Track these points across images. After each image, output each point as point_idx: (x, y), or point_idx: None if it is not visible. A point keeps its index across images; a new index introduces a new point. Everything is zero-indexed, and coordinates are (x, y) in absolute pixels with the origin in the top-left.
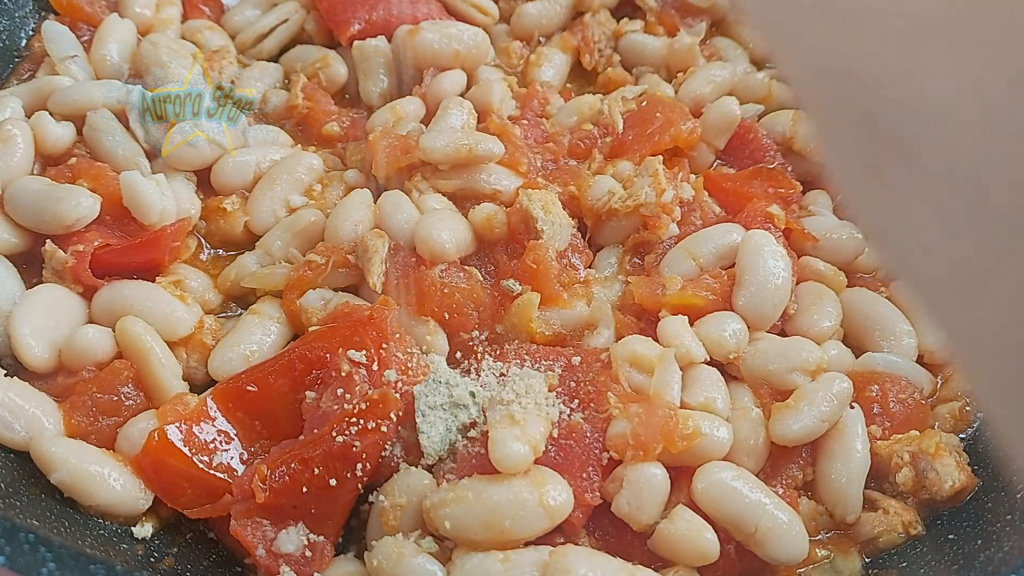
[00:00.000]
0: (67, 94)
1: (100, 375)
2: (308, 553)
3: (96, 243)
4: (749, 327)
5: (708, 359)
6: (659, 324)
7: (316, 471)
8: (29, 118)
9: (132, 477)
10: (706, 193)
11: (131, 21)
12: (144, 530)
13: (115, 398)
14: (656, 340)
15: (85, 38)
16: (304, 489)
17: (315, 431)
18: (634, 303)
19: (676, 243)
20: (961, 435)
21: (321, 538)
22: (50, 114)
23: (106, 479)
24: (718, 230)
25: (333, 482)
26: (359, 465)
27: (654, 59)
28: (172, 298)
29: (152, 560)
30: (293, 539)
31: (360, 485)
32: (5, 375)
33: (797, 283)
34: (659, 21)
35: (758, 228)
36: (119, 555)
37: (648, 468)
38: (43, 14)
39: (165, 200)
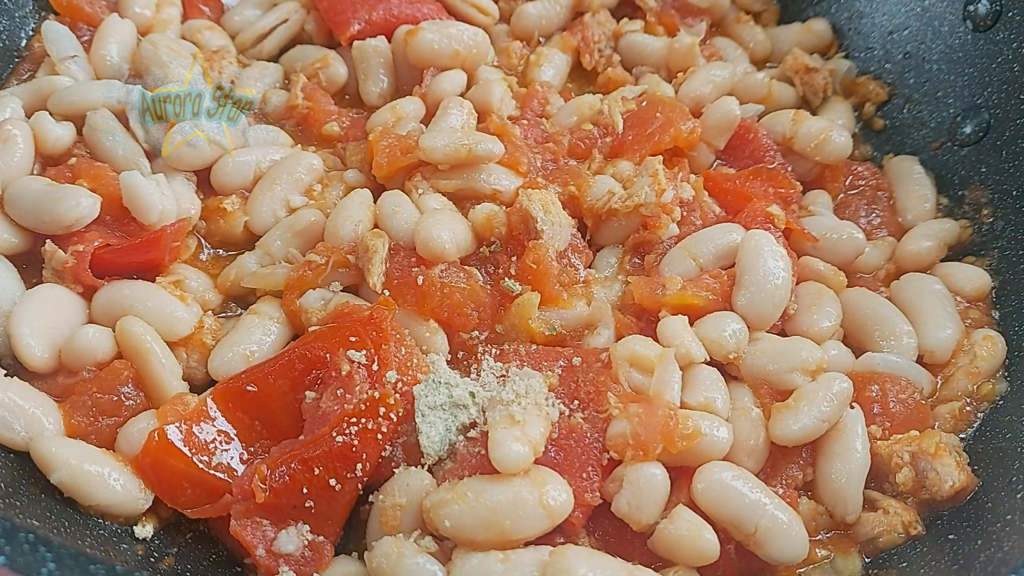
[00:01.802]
0: (67, 94)
1: (100, 375)
2: (308, 553)
3: (96, 243)
4: (749, 327)
5: (708, 359)
6: (659, 324)
7: (316, 471)
8: (29, 118)
9: (132, 477)
10: (706, 193)
11: (131, 21)
12: (144, 530)
13: (115, 398)
14: (656, 340)
15: (85, 38)
16: (304, 489)
17: (315, 431)
18: (634, 303)
19: (676, 243)
20: (961, 435)
21: (321, 538)
22: (50, 114)
23: (106, 479)
24: (718, 230)
25: (333, 482)
26: (359, 465)
27: (654, 59)
28: (172, 298)
29: (152, 560)
30: (293, 539)
31: (360, 485)
32: (5, 375)
33: (797, 283)
34: (659, 21)
35: (758, 228)
36: (119, 555)
37: (648, 468)
38: (43, 14)
39: (165, 200)
